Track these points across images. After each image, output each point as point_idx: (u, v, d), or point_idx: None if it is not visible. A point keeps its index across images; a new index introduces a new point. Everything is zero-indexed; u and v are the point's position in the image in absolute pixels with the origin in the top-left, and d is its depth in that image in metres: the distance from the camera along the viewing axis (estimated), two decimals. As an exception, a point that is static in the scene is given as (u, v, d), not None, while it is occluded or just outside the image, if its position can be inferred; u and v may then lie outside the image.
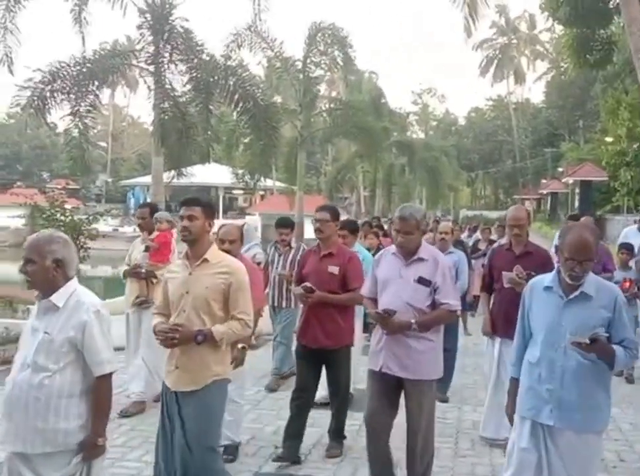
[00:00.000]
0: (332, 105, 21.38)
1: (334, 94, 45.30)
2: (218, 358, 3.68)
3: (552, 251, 9.48)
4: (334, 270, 4.86)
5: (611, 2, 14.94)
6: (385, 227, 12.44)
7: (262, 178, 19.60)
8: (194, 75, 12.13)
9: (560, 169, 47.40)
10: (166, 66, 12.10)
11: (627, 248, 7.90)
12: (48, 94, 11.56)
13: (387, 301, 4.16)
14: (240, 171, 18.84)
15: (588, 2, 14.86)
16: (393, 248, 4.35)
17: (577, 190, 36.44)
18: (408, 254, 4.18)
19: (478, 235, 13.61)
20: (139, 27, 12.14)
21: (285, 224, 7.11)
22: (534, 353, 3.39)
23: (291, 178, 21.23)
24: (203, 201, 3.76)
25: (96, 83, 12.07)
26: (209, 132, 13.31)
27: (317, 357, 4.94)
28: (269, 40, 16.45)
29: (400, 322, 4.05)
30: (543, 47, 67.11)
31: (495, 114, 72.10)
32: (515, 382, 3.55)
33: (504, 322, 5.04)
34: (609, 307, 3.24)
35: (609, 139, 21.23)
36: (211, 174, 31.68)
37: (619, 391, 7.06)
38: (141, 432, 5.50)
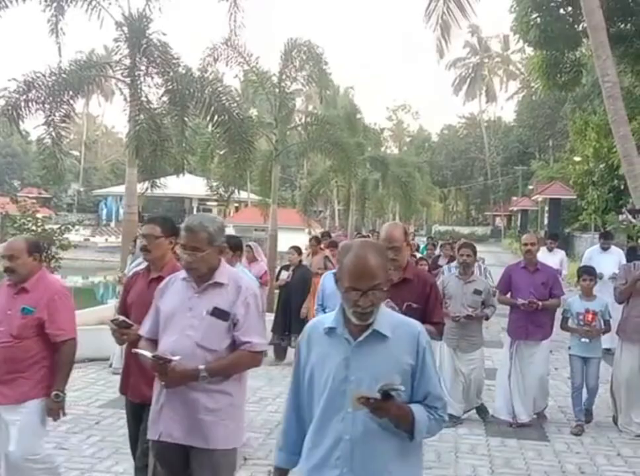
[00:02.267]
0: (307, 119, 21.53)
1: (310, 107, 45.67)
2: None
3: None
4: None
5: (579, 27, 15.37)
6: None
7: (236, 191, 19.63)
8: (170, 87, 12.18)
9: (530, 187, 48.29)
10: (142, 79, 12.15)
11: (588, 273, 6.77)
12: (22, 103, 11.52)
13: (171, 342, 3.17)
14: (214, 183, 18.87)
15: (557, 26, 15.26)
16: (184, 272, 3.33)
17: (546, 208, 37.13)
18: (201, 278, 3.21)
19: (438, 250, 13.67)
20: (116, 40, 12.19)
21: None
22: (314, 424, 2.43)
23: (266, 191, 21.27)
24: None
25: (71, 93, 12.05)
26: (184, 144, 13.34)
27: (141, 413, 3.62)
28: (245, 55, 16.57)
29: (184, 371, 3.05)
30: (515, 67, 68.51)
31: (467, 132, 73.37)
32: (280, 473, 2.58)
33: None
34: (410, 351, 2.39)
35: (577, 159, 21.76)
36: (185, 185, 31.59)
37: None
38: (112, 443, 5.52)
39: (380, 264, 2.36)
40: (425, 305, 3.97)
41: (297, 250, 9.35)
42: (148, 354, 3.09)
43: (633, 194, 8.83)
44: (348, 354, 2.38)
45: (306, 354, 2.49)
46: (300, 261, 9.23)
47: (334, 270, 5.87)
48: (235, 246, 5.76)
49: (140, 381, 3.60)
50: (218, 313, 3.16)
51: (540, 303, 6.32)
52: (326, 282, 5.79)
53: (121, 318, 3.63)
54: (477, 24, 64.78)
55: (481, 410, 6.71)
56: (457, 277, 6.52)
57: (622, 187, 17.74)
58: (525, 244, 6.68)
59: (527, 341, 6.52)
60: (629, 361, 6.32)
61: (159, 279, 3.65)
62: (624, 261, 9.86)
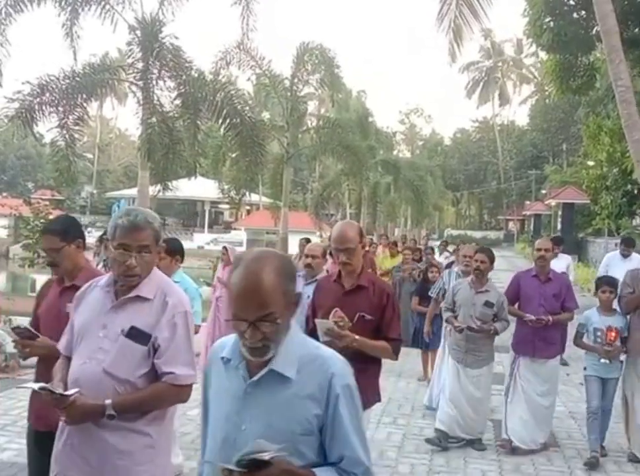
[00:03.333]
0: (319, 123, 21.59)
1: (323, 111, 45.74)
2: None
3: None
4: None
5: (593, 31, 15.32)
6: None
7: (247, 194, 19.74)
8: (183, 91, 12.27)
9: (543, 191, 48.11)
10: (154, 82, 12.23)
11: (609, 284, 5.87)
12: (37, 106, 11.64)
13: (77, 366, 2.59)
14: (226, 186, 18.97)
15: (571, 29, 15.25)
16: (106, 277, 2.73)
17: (560, 212, 36.97)
18: (129, 288, 2.61)
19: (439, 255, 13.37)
20: (129, 43, 12.30)
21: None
22: (205, 473, 1.96)
23: (277, 194, 21.35)
24: None
25: (85, 96, 12.16)
26: (196, 147, 13.40)
27: (48, 443, 2.77)
28: (257, 58, 16.69)
29: (86, 406, 2.45)
30: (529, 71, 68.27)
31: (480, 136, 73.15)
32: None
33: None
34: (318, 398, 1.82)
35: (590, 163, 21.65)
36: (197, 188, 31.80)
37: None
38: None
39: (277, 287, 1.79)
40: (380, 317, 3.52)
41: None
42: (34, 385, 2.57)
43: (646, 198, 8.73)
44: (241, 393, 1.86)
45: (208, 386, 2.01)
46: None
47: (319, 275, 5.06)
48: (174, 250, 4.86)
49: (45, 406, 2.70)
50: (135, 334, 2.54)
51: (550, 318, 5.67)
52: None
53: (24, 325, 3.07)
54: (490, 28, 64.80)
55: (478, 443, 5.87)
56: (469, 284, 5.88)
57: (635, 191, 17.61)
58: (539, 250, 5.88)
59: (534, 359, 5.81)
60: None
61: (73, 288, 3.03)
62: None
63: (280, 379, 1.83)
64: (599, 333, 5.62)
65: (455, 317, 5.88)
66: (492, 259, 5.88)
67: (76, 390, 2.47)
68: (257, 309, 1.77)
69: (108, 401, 2.46)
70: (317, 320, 3.52)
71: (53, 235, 3.22)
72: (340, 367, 1.89)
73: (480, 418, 5.91)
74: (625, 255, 9.48)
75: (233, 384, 1.88)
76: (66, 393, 2.45)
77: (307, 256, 5.40)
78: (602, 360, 5.58)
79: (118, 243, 2.58)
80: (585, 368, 5.80)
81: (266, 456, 1.66)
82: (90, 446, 2.52)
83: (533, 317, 5.64)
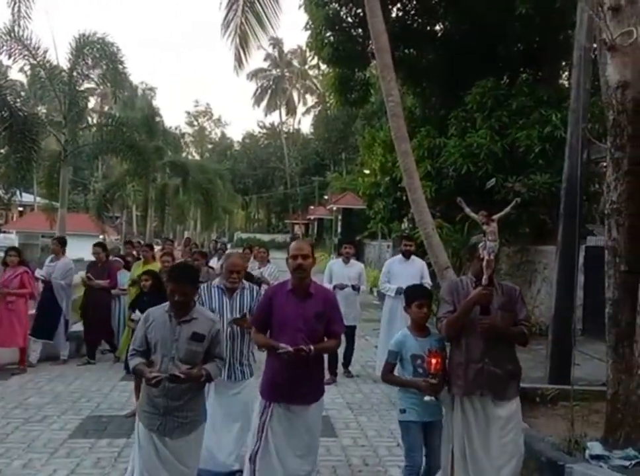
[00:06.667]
0: (101, 120, 20.52)
1: (107, 108, 43.57)
2: None
3: (325, 282, 8.32)
4: None
5: (368, 48, 16.48)
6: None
7: (19, 193, 18.09)
8: (-60, 76, 10.94)
9: (326, 197, 50.83)
10: None
11: (425, 296, 4.47)
12: None
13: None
14: (-7, 185, 17.19)
15: (349, 45, 16.23)
16: None
17: (340, 217, 39.33)
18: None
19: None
20: None
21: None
22: None
23: (54, 194, 19.85)
24: None
25: None
26: (-44, 141, 12.03)
27: None
28: (32, 48, 15.40)
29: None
30: (312, 82, 71.68)
31: (268, 142, 75.21)
32: None
33: None
34: None
35: (366, 172, 23.31)
36: (-42, 186, 28.42)
37: (369, 400, 7.72)
38: None
39: None
40: None
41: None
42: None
43: (412, 204, 9.58)
44: None
45: None
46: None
47: None
48: None
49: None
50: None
51: (312, 347, 4.09)
52: None
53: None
54: (279, 37, 67.00)
55: None
56: (166, 311, 3.97)
57: (404, 198, 19.28)
58: (295, 257, 4.26)
59: (290, 406, 4.26)
60: (477, 424, 4.08)
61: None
62: (427, 275, 8.79)
63: None
64: (418, 361, 4.25)
65: (151, 364, 3.91)
66: (197, 285, 4.21)
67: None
68: None
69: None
70: None
71: None
72: None
73: None
74: (406, 253, 8.87)
75: None
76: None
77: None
78: (427, 398, 4.14)
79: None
80: (404, 411, 4.33)
81: None
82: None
83: (289, 348, 4.05)
